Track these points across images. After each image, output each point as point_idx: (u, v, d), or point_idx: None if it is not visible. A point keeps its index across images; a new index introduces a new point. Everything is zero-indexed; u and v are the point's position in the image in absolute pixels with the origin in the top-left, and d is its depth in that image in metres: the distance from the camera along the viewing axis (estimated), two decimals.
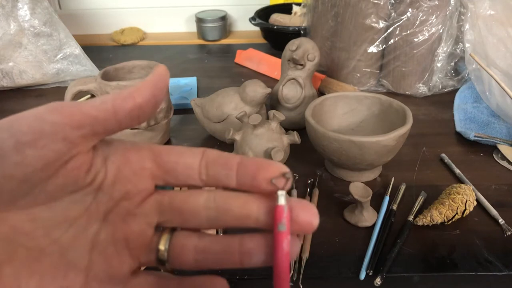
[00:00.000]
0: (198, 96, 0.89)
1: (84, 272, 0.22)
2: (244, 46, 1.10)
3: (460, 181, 0.62)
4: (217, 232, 0.29)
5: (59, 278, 0.21)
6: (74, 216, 0.22)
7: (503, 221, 0.54)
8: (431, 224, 0.53)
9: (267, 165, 0.22)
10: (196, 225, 0.24)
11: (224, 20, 1.19)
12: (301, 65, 0.71)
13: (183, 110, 0.82)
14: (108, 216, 0.23)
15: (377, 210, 0.56)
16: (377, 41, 0.83)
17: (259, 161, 0.23)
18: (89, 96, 0.89)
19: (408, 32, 0.80)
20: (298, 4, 1.17)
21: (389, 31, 0.82)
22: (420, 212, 0.55)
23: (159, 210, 0.24)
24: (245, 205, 0.23)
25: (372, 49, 0.84)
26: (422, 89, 0.85)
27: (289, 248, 0.22)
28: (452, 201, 0.53)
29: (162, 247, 0.24)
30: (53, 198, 0.21)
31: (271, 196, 0.23)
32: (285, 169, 0.23)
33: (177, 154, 0.23)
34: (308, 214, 0.23)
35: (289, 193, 0.59)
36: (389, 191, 0.59)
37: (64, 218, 0.22)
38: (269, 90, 0.66)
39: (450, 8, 0.79)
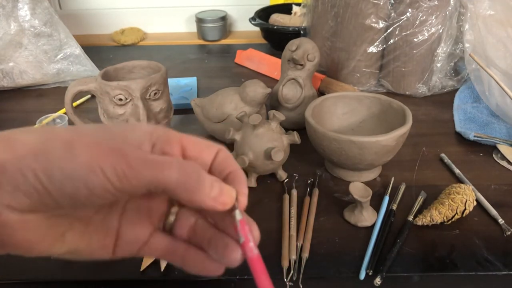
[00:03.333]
0: (198, 96, 0.89)
1: (116, 234, 0.29)
2: (244, 46, 1.10)
3: (459, 181, 0.62)
4: None
5: (101, 239, 0.28)
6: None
7: (503, 221, 0.54)
8: (431, 224, 0.53)
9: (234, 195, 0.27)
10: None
11: (224, 20, 1.19)
12: (301, 65, 0.71)
13: (183, 110, 0.82)
14: None
15: (377, 210, 0.56)
16: (377, 41, 0.83)
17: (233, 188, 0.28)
18: (89, 96, 0.89)
19: (408, 32, 0.81)
20: (298, 4, 1.17)
21: (389, 31, 0.82)
22: (420, 212, 0.55)
23: None
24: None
25: (372, 49, 0.84)
26: (421, 89, 0.85)
27: (253, 253, 0.26)
28: (452, 201, 0.53)
29: (171, 219, 0.30)
30: None
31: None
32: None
33: (198, 151, 0.28)
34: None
35: (289, 193, 0.59)
36: (389, 191, 0.59)
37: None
38: (269, 90, 0.66)
39: (450, 8, 0.79)
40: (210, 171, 0.29)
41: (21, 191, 0.23)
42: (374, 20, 0.81)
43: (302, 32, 1.00)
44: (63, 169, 0.22)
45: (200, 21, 1.18)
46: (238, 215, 0.27)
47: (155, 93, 0.64)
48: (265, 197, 0.60)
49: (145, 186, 0.24)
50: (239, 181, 0.28)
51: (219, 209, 0.26)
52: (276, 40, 1.11)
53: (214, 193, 0.25)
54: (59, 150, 0.23)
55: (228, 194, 0.26)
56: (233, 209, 0.27)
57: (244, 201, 0.28)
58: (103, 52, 1.13)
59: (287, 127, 0.69)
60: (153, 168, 0.23)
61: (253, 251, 0.26)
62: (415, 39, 0.81)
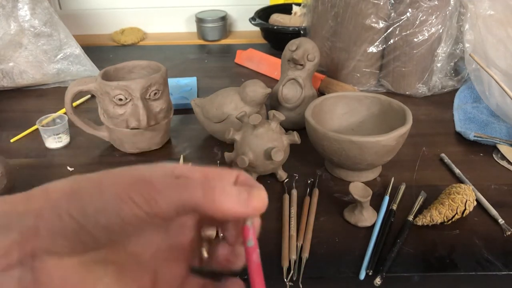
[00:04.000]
0: (198, 96, 0.89)
1: (153, 274, 0.29)
2: (244, 46, 1.10)
3: (460, 181, 0.62)
4: (217, 234, 0.31)
5: (138, 280, 0.28)
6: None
7: (503, 221, 0.54)
8: (431, 224, 0.53)
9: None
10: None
11: (224, 20, 1.19)
12: (301, 65, 0.71)
13: (183, 110, 0.82)
14: (169, 227, 0.29)
15: (377, 210, 0.56)
16: (377, 41, 0.83)
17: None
18: (89, 96, 0.89)
19: (408, 32, 0.81)
20: (298, 4, 1.17)
21: (389, 31, 0.82)
22: (420, 212, 0.55)
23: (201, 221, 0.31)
24: None
25: (372, 49, 0.84)
26: (422, 89, 0.85)
27: (259, 260, 0.26)
28: (452, 201, 0.53)
29: (205, 255, 0.30)
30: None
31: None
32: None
33: (219, 178, 0.27)
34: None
35: (289, 193, 0.59)
36: (389, 191, 0.59)
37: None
38: (269, 90, 0.66)
39: (450, 8, 0.79)
40: None
41: (59, 234, 0.23)
42: (374, 20, 0.81)
43: (302, 32, 1.00)
44: (95, 205, 0.24)
45: (200, 21, 1.18)
46: (248, 219, 0.27)
47: (155, 93, 0.64)
48: None
49: (174, 208, 0.24)
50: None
51: (252, 214, 0.25)
52: (276, 40, 1.11)
53: (243, 198, 0.25)
54: (89, 188, 0.24)
55: (258, 197, 0.25)
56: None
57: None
58: (103, 52, 1.13)
59: (287, 127, 0.69)
60: (178, 189, 0.24)
61: (259, 258, 0.26)
62: (415, 39, 0.81)
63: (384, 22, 0.81)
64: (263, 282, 0.26)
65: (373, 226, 0.54)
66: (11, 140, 0.75)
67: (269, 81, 0.93)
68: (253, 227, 0.27)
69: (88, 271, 0.26)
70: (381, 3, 0.79)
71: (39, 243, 0.23)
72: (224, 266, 0.31)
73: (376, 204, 0.56)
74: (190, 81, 0.94)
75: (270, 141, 0.58)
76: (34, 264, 0.24)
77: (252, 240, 0.26)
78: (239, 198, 0.24)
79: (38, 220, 0.23)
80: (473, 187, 0.59)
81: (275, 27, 1.07)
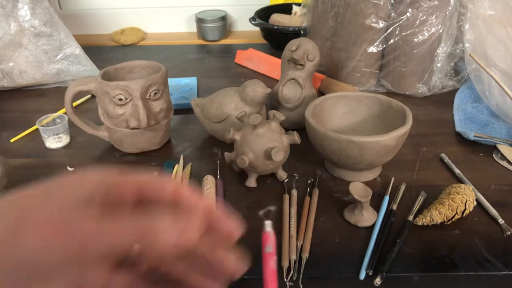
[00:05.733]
0: (198, 96, 0.89)
1: (71, 281, 0.25)
2: (244, 46, 1.10)
3: (460, 181, 0.62)
4: None
5: None
6: None
7: (503, 221, 0.54)
8: (431, 224, 0.53)
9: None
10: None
11: (224, 20, 1.19)
12: (301, 65, 0.71)
13: (183, 110, 0.82)
14: None
15: (377, 210, 0.56)
16: (377, 41, 0.83)
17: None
18: (89, 96, 0.89)
19: (408, 32, 0.81)
20: (298, 4, 1.17)
21: (389, 31, 0.82)
22: (420, 212, 0.55)
23: None
24: None
25: (372, 49, 0.84)
26: (422, 89, 0.85)
27: (275, 266, 0.26)
28: (452, 201, 0.53)
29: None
30: None
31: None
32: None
33: (155, 192, 0.25)
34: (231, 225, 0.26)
35: (289, 193, 0.59)
36: (389, 191, 0.59)
37: None
38: (269, 90, 0.66)
39: (450, 8, 0.79)
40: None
41: None
42: (374, 20, 0.81)
43: (302, 32, 1.00)
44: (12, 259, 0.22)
45: (200, 21, 1.18)
46: (268, 226, 0.26)
47: (155, 93, 0.64)
48: (265, 197, 0.60)
49: (103, 254, 0.23)
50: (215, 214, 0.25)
51: (187, 248, 0.24)
52: (276, 40, 1.11)
53: (174, 238, 0.22)
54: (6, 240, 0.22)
55: (192, 229, 0.23)
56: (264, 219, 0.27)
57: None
58: (103, 52, 1.13)
59: (287, 127, 0.69)
60: (107, 240, 0.22)
61: (275, 265, 0.26)
62: (415, 39, 0.81)
63: (384, 22, 0.81)
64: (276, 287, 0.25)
65: (373, 226, 0.54)
66: (11, 140, 0.75)
67: (269, 81, 0.93)
68: (273, 234, 0.26)
69: None
70: (381, 3, 0.79)
71: None
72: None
73: (376, 204, 0.56)
74: (190, 81, 0.94)
75: (270, 141, 0.58)
76: None
77: (271, 246, 0.26)
78: (170, 238, 0.22)
79: None
80: (473, 187, 0.59)
81: (275, 27, 1.07)
